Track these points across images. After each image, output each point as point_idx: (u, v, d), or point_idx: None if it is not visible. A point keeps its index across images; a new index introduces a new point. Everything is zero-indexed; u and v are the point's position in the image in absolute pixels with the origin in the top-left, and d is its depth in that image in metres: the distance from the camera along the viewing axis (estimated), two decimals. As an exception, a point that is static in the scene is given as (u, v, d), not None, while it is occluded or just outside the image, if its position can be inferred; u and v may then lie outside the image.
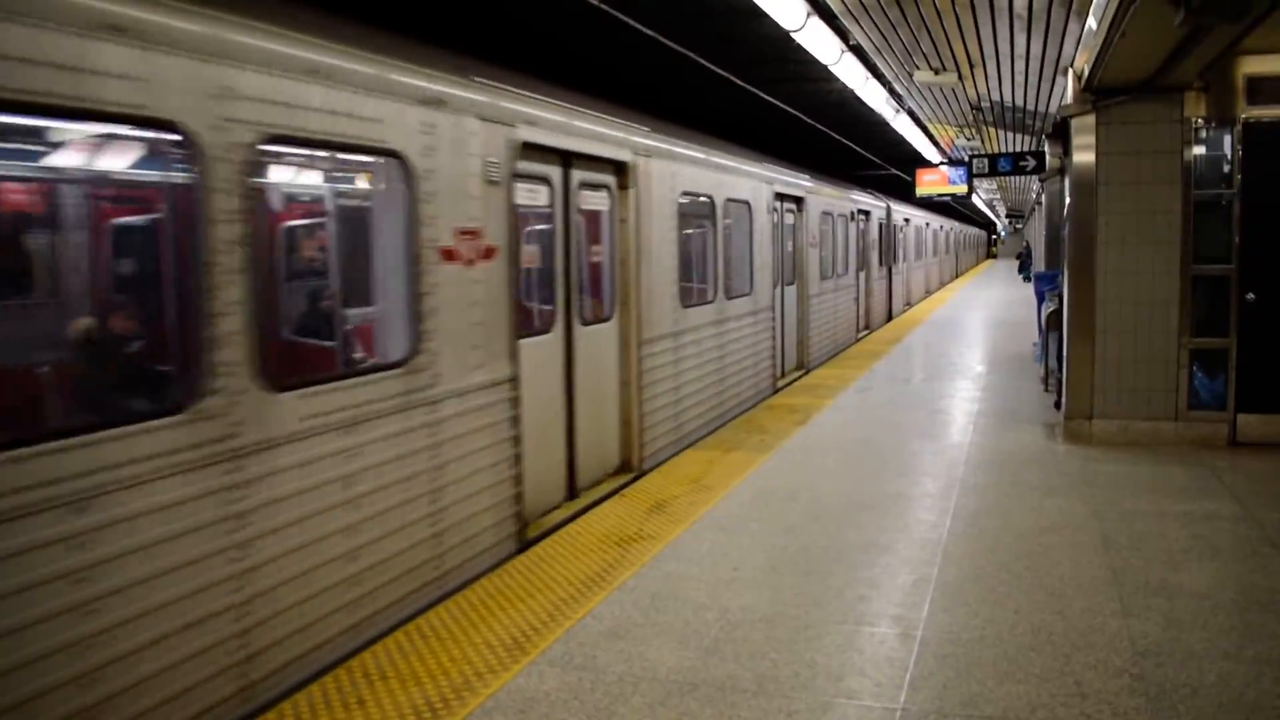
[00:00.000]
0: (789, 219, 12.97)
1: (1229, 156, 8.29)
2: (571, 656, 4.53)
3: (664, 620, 4.91)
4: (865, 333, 19.01)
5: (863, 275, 18.82)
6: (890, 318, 22.02)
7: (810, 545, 5.98)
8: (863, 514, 6.63)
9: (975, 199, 38.38)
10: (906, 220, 24.84)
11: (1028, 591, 5.16)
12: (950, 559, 5.70)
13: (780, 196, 12.29)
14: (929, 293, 30.43)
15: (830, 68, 9.98)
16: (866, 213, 19.11)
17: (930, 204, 27.51)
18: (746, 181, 10.74)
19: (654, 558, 5.81)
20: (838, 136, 17.50)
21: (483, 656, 4.54)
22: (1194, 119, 8.28)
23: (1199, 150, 8.36)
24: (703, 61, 10.30)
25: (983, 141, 19.22)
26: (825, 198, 14.87)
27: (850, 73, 10.50)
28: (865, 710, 3.96)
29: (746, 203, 10.70)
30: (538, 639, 4.72)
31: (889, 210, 21.53)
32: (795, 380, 12.92)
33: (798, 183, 13.14)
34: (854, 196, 17.81)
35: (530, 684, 4.27)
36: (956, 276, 44.44)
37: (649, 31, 8.83)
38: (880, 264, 21.04)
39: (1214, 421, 8.39)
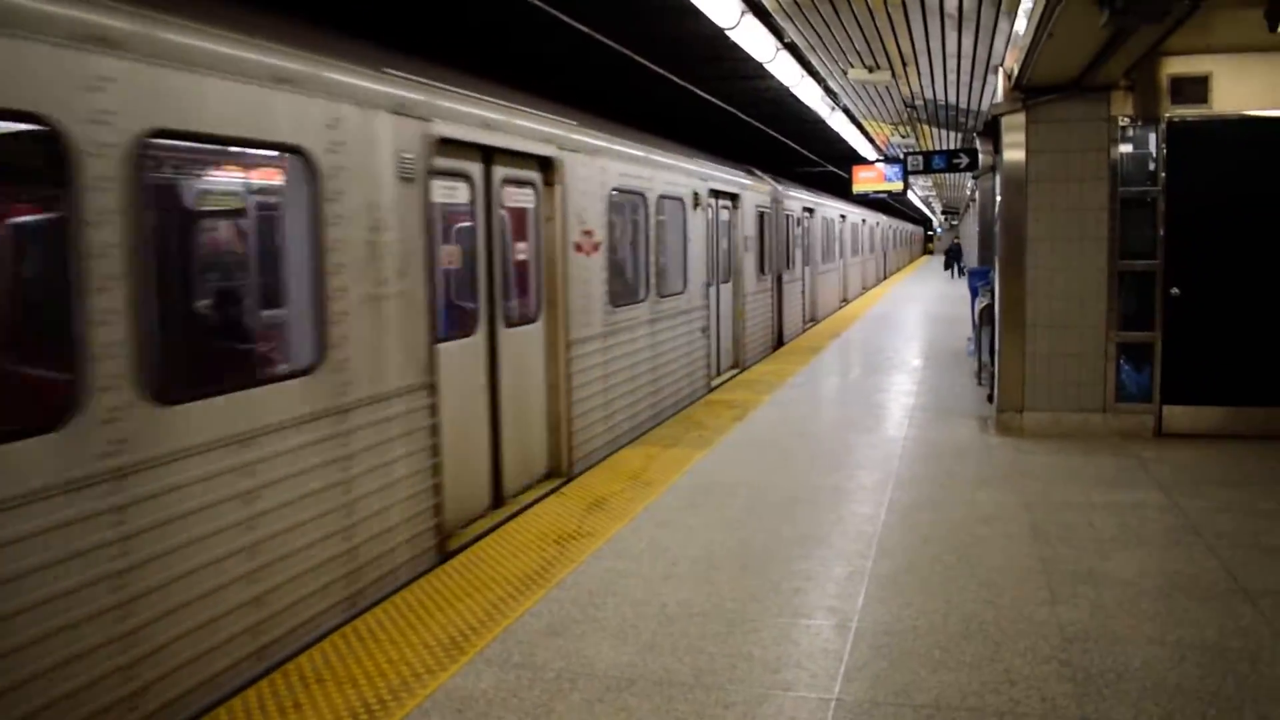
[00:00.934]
0: (724, 216, 12.91)
1: (1154, 154, 8.49)
2: (509, 655, 4.51)
3: (602, 617, 4.91)
4: (810, 323, 19.19)
5: (808, 270, 18.92)
6: (816, 320, 20.81)
7: (748, 539, 6.02)
8: (799, 507, 6.69)
9: (911, 196, 38.88)
10: (843, 216, 24.92)
11: (960, 582, 5.24)
12: (885, 551, 5.77)
13: (715, 194, 12.18)
14: (866, 288, 30.65)
15: (765, 65, 10.06)
16: (810, 210, 19.23)
17: (867, 201, 27.81)
18: (680, 178, 10.61)
19: (592, 554, 5.81)
20: (774, 134, 17.61)
21: (420, 657, 4.50)
22: (1120, 118, 8.46)
23: (1125, 148, 8.55)
24: (636, 57, 10.26)
25: (918, 139, 19.51)
26: (761, 195, 14.86)
27: (785, 70, 10.59)
28: (801, 701, 4.00)
29: (680, 200, 10.59)
30: (476, 638, 4.69)
31: (814, 207, 20.87)
32: (732, 377, 12.97)
33: (733, 180, 13.07)
34: (791, 194, 17.84)
35: (468, 683, 4.24)
36: (894, 272, 44.99)
37: (582, 27, 8.78)
38: (822, 261, 21.15)
39: (1141, 413, 8.60)
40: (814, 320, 20.20)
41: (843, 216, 24.98)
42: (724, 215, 12.86)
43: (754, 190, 14.26)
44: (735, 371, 13.45)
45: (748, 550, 5.82)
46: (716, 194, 12.29)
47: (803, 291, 18.78)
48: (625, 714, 3.92)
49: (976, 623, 4.70)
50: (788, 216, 16.99)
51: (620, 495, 7.04)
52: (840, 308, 24.24)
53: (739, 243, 13.37)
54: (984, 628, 4.65)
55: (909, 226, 60.39)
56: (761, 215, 14.79)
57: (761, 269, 14.92)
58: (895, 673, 4.21)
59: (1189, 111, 8.34)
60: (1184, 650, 4.36)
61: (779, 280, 16.28)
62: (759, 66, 10.29)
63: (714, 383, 12.11)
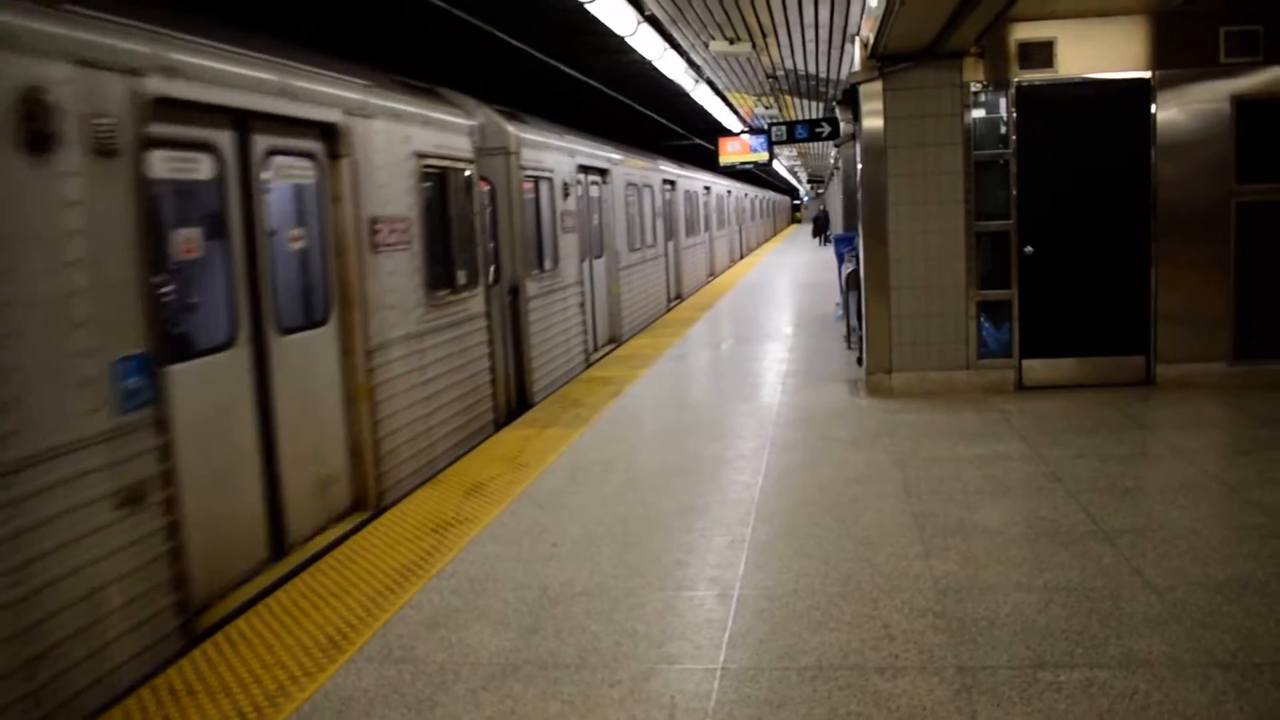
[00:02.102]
0: (595, 191, 12.86)
1: (1005, 118, 8.75)
2: (390, 650, 4.40)
3: (484, 603, 4.83)
4: (676, 300, 19.25)
5: (671, 245, 18.89)
6: (682, 297, 20.08)
7: (628, 515, 6.00)
8: (678, 480, 6.71)
9: (777, 166, 39.46)
10: (707, 189, 24.89)
11: (837, 542, 5.33)
12: (763, 517, 5.83)
13: (584, 169, 12.02)
14: (735, 260, 30.89)
15: (627, 39, 10.00)
16: (673, 183, 19.24)
17: (735, 172, 28.07)
18: (538, 152, 9.98)
19: (472, 541, 5.71)
20: (641, 108, 17.59)
21: (297, 659, 4.35)
22: (973, 83, 8.69)
23: (978, 113, 8.78)
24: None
25: (781, 110, 19.76)
26: (633, 169, 14.78)
27: (648, 44, 10.55)
28: (686, 673, 4.00)
29: (547, 176, 10.27)
30: (355, 635, 4.55)
31: (676, 179, 20.30)
32: (609, 352, 12.97)
33: (604, 155, 12.93)
34: (663, 168, 17.84)
35: (348, 682, 4.12)
36: (765, 242, 45.62)
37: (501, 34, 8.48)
38: (690, 233, 21.27)
39: (1002, 368, 8.89)
40: (680, 297, 19.71)
41: (707, 189, 24.79)
42: (594, 191, 12.74)
43: (626, 167, 14.21)
44: (613, 346, 13.45)
45: (628, 526, 5.81)
46: (586, 169, 12.07)
47: (667, 267, 18.34)
48: (510, 701, 3.86)
49: (854, 581, 4.79)
50: (651, 190, 16.70)
51: (499, 479, 6.95)
52: (708, 282, 23.95)
53: (611, 218, 13.32)
54: (861, 586, 4.73)
55: (776, 197, 61.31)
56: (685, 194, 15.51)
57: (630, 246, 14.83)
58: (778, 637, 4.26)
59: (1036, 75, 8.61)
60: (1050, 593, 4.52)
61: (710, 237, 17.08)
62: (621, 41, 10.22)
63: (592, 358, 12.08)
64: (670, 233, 18.96)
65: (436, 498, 6.59)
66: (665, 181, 18.48)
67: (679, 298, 19.65)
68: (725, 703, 3.75)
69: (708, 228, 24.99)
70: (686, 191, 21.06)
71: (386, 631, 4.58)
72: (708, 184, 24.94)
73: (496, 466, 7.28)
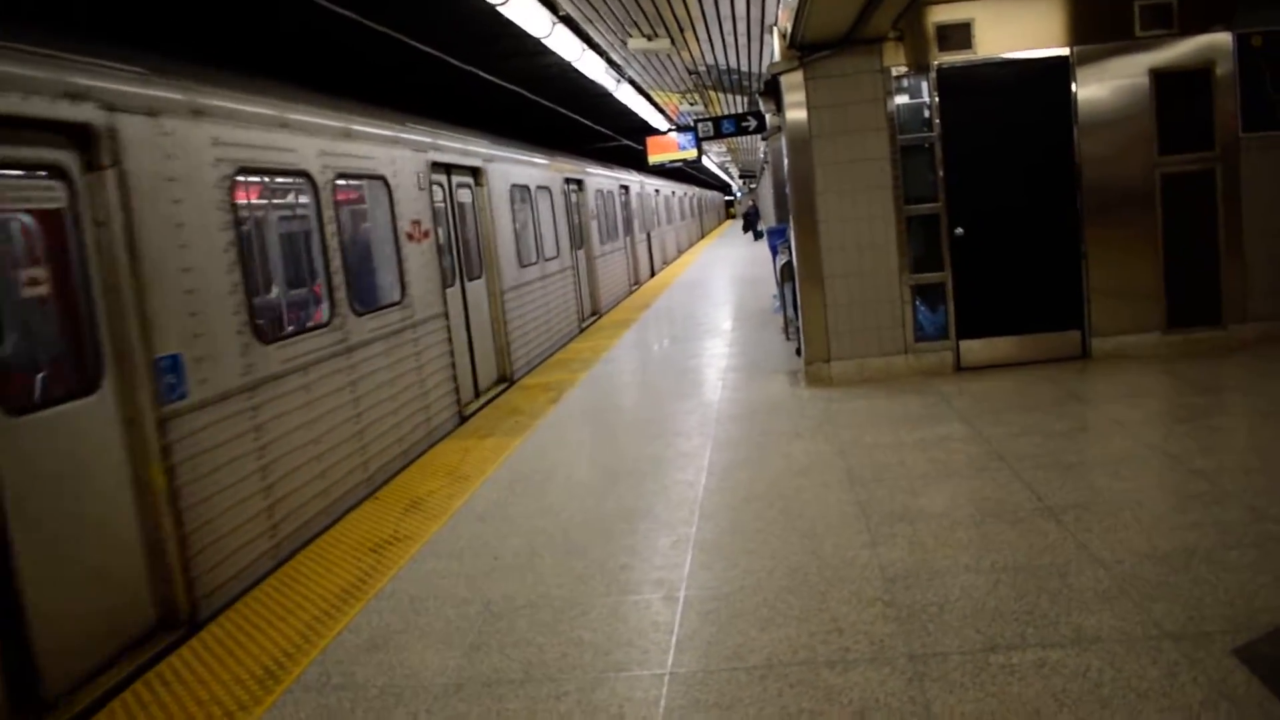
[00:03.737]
0: (465, 197, 10.75)
1: (928, 101, 8.76)
2: (329, 677, 4.23)
3: (425, 622, 4.68)
4: (594, 317, 19.00)
5: (580, 254, 16.67)
6: (599, 314, 17.58)
7: (569, 522, 5.87)
8: (620, 483, 6.59)
9: (707, 162, 39.55)
10: (625, 188, 22.45)
11: (782, 536, 5.24)
12: (707, 515, 5.73)
13: (445, 168, 9.75)
14: (667, 261, 30.24)
15: (543, 40, 9.86)
16: (579, 182, 17.14)
17: (665, 171, 28.03)
18: (366, 148, 7.75)
19: (411, 558, 5.54)
20: (566, 111, 17.43)
21: (232, 694, 4.16)
22: (894, 68, 8.68)
23: (901, 98, 8.77)
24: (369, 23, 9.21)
25: (706, 106, 19.74)
26: (523, 168, 12.68)
27: (565, 44, 10.42)
28: (634, 680, 3.89)
29: (372, 176, 7.95)
30: (291, 665, 4.38)
31: (582, 179, 17.54)
32: (497, 396, 11.01)
33: (476, 150, 10.77)
34: (563, 165, 15.76)
35: (285, 714, 3.96)
36: (701, 237, 45.73)
37: (344, 12, 8.20)
38: (603, 241, 19.09)
39: (939, 351, 8.89)
40: (596, 314, 17.41)
41: (625, 188, 22.28)
42: (464, 196, 10.53)
43: (505, 163, 11.90)
44: (503, 387, 10.98)
45: (570, 533, 5.67)
46: (446, 168, 9.85)
47: (575, 281, 15.70)
48: (453, 721, 3.72)
49: (801, 575, 4.70)
50: (549, 193, 14.42)
51: (438, 494, 6.77)
52: (632, 291, 21.59)
53: (491, 229, 11.10)
54: (809, 579, 4.65)
55: (709, 194, 61.44)
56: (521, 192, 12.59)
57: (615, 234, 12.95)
58: (726, 637, 4.16)
59: (956, 58, 8.62)
60: (999, 574, 4.47)
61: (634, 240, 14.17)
62: (538, 42, 10.08)
63: (467, 410, 9.53)
64: (580, 240, 16.76)
65: (375, 515, 6.40)
66: (569, 181, 16.21)
67: (595, 314, 17.37)
68: (674, 708, 3.64)
69: (629, 231, 22.54)
70: (599, 191, 18.81)
71: (325, 658, 4.42)
72: (626, 183, 22.54)
73: (436, 480, 7.10)
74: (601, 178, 19.22)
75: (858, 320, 8.87)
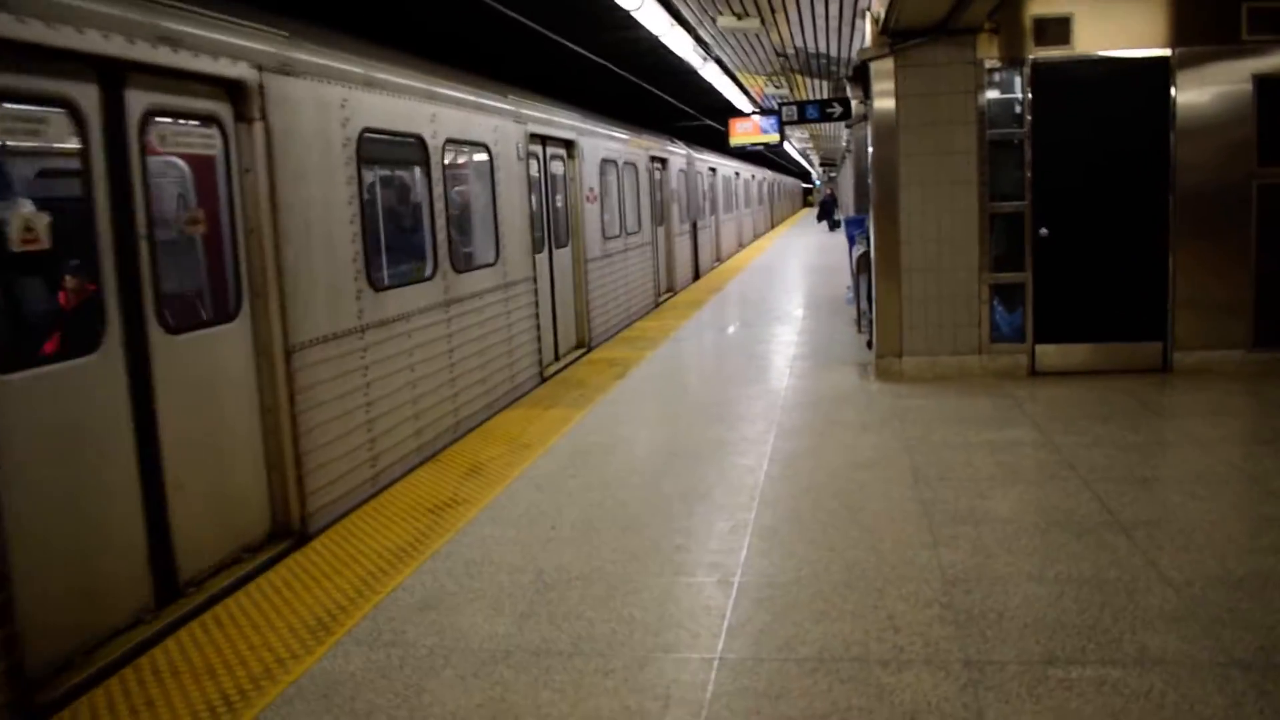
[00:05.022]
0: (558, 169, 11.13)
1: (1020, 96, 8.54)
2: (379, 633, 4.27)
3: (478, 587, 4.70)
4: (669, 294, 18.92)
5: (661, 231, 16.82)
6: (674, 291, 17.70)
7: (628, 499, 5.86)
8: (680, 463, 6.56)
9: (788, 148, 39.17)
10: (713, 170, 23.08)
11: (842, 529, 5.18)
12: (767, 502, 5.68)
13: (541, 139, 9.92)
14: (743, 245, 30.14)
15: (633, 14, 9.80)
16: (663, 160, 17.14)
17: (745, 154, 27.80)
18: (478, 117, 8.19)
19: (469, 522, 5.58)
20: (648, 87, 17.31)
21: (285, 642, 4.23)
22: (986, 60, 8.48)
23: (992, 92, 8.57)
24: None
25: (792, 90, 19.52)
26: (614, 143, 12.87)
27: (654, 19, 10.35)
28: (683, 662, 3.86)
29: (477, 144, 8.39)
30: (344, 618, 4.43)
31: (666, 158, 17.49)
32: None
33: (567, 123, 10.91)
34: (660, 145, 16.16)
35: (335, 666, 4.00)
36: (778, 223, 45.37)
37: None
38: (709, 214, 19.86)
39: (1015, 353, 8.71)
40: (672, 291, 17.45)
41: (712, 170, 22.67)
42: (556, 167, 10.83)
43: (596, 137, 12.11)
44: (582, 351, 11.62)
45: (627, 510, 5.66)
46: (543, 140, 10.09)
47: (654, 256, 15.92)
48: (500, 688, 3.73)
49: (859, 570, 4.64)
50: (638, 168, 14.69)
51: (498, 460, 6.81)
52: (704, 273, 21.18)
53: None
54: (866, 575, 4.58)
55: (787, 180, 60.92)
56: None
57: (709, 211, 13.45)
58: (778, 626, 4.11)
59: (1052, 53, 8.40)
60: (1062, 585, 4.36)
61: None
62: (627, 15, 10.02)
63: (547, 372, 9.97)
64: (661, 217, 16.76)
65: (435, 477, 6.46)
66: (654, 158, 16.23)
67: (671, 291, 17.39)
68: (723, 694, 3.61)
69: (713, 211, 22.67)
70: (681, 170, 18.76)
71: (377, 614, 4.46)
72: (710, 163, 22.52)
73: (497, 447, 7.14)
74: (684, 156, 19.21)
75: (933, 316, 8.72)
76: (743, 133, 19.61)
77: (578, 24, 11.36)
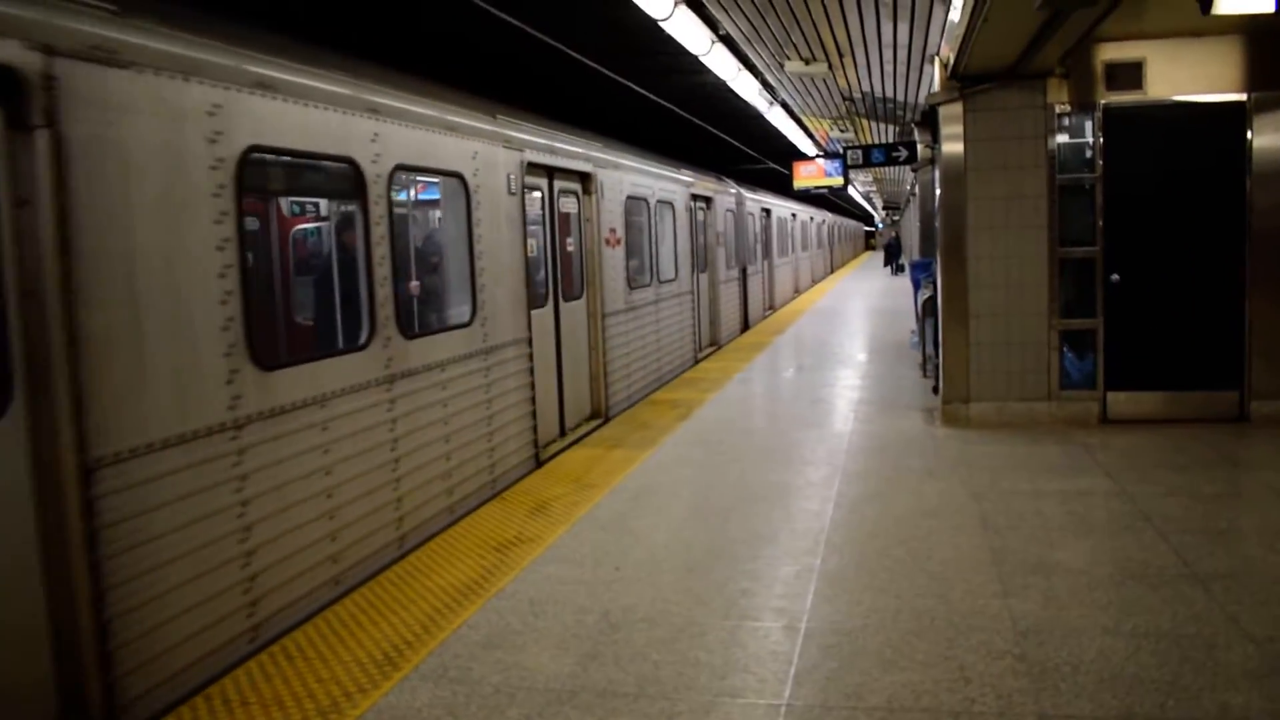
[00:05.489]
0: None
1: (1091, 141, 8.47)
2: (446, 669, 4.30)
3: (543, 626, 4.72)
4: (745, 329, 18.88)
5: (703, 278, 15.28)
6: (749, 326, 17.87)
7: (693, 541, 5.85)
8: (745, 506, 6.53)
9: (852, 191, 39.07)
10: (766, 211, 21.28)
11: (910, 576, 5.11)
12: (833, 547, 5.64)
13: (550, 171, 8.62)
14: (814, 281, 29.95)
15: (701, 58, 9.91)
16: (708, 200, 15.52)
17: (808, 197, 27.79)
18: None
19: (534, 561, 5.61)
20: (712, 129, 17.45)
21: (352, 675, 4.28)
22: (1057, 105, 8.43)
23: (1063, 136, 8.51)
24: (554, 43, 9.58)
25: (856, 133, 19.55)
26: (645, 177, 11.60)
27: (722, 63, 10.46)
28: (749, 708, 3.84)
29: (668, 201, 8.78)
30: (410, 653, 4.47)
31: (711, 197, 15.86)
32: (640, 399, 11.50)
33: (580, 152, 9.37)
34: (703, 182, 14.92)
35: (402, 701, 4.03)
36: (838, 267, 45.18)
37: (496, 12, 8.28)
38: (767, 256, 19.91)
39: (1085, 400, 8.57)
40: (715, 345, 15.95)
41: (765, 211, 20.99)
42: (568, 205, 9.53)
43: (620, 170, 10.63)
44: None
45: (692, 552, 5.65)
46: (549, 171, 8.68)
47: (694, 308, 14.21)
48: (566, 729, 3.73)
49: (928, 618, 4.58)
50: (675, 208, 13.09)
51: (563, 499, 6.84)
52: (755, 323, 19.65)
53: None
54: (936, 623, 4.52)
55: (850, 223, 60.73)
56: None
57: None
58: (846, 674, 4.07)
59: (1124, 98, 8.33)
60: (1139, 639, 4.26)
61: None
62: (695, 60, 10.14)
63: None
64: (704, 263, 15.33)
65: (500, 514, 6.50)
66: (696, 197, 14.57)
67: (715, 345, 15.94)
68: (790, 742, 3.58)
69: (767, 256, 21.08)
70: (729, 211, 17.04)
71: (443, 650, 4.49)
72: (764, 204, 20.74)
73: (562, 486, 7.18)
74: (732, 195, 17.49)
75: (1001, 362, 8.62)
76: (807, 176, 19.67)
77: (647, 68, 11.50)
